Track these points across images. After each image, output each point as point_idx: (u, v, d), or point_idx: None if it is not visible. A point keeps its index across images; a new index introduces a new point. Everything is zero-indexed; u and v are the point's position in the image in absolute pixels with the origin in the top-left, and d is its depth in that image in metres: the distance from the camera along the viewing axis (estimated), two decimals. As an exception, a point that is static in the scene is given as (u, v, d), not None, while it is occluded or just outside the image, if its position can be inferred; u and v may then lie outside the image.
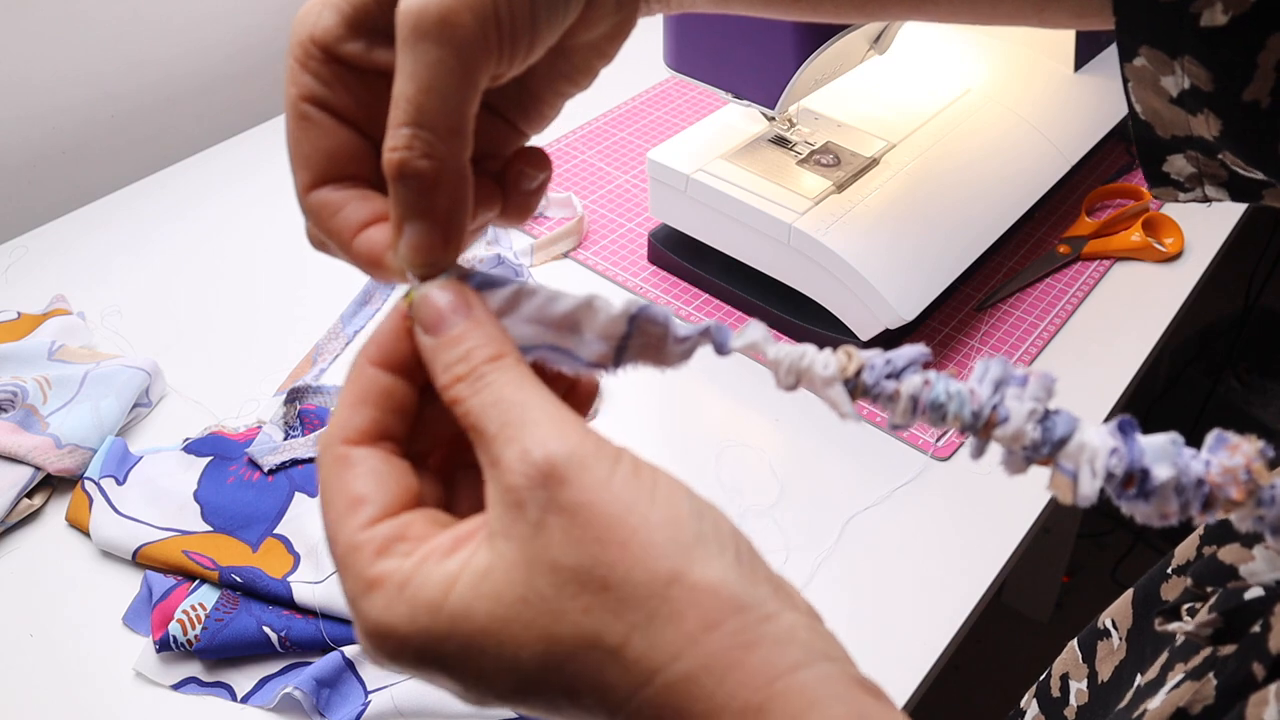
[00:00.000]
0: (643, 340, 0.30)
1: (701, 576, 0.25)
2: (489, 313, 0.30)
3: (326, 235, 0.31)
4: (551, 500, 0.26)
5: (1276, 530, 0.26)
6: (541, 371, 0.30)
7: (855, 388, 0.28)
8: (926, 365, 0.28)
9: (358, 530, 0.28)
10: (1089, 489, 0.26)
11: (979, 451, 0.28)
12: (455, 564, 0.26)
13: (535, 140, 0.35)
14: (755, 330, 0.29)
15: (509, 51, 0.29)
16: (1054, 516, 0.82)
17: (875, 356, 0.28)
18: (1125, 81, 0.39)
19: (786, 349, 0.29)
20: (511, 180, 0.34)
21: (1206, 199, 0.41)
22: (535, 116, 0.34)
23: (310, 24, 0.30)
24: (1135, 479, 0.26)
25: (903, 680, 0.61)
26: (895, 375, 0.28)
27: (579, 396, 0.33)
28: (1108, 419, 0.33)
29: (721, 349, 0.30)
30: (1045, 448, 0.27)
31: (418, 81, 0.28)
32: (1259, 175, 0.38)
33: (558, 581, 0.26)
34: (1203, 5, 0.34)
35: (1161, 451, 0.26)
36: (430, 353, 0.29)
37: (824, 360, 0.29)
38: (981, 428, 0.27)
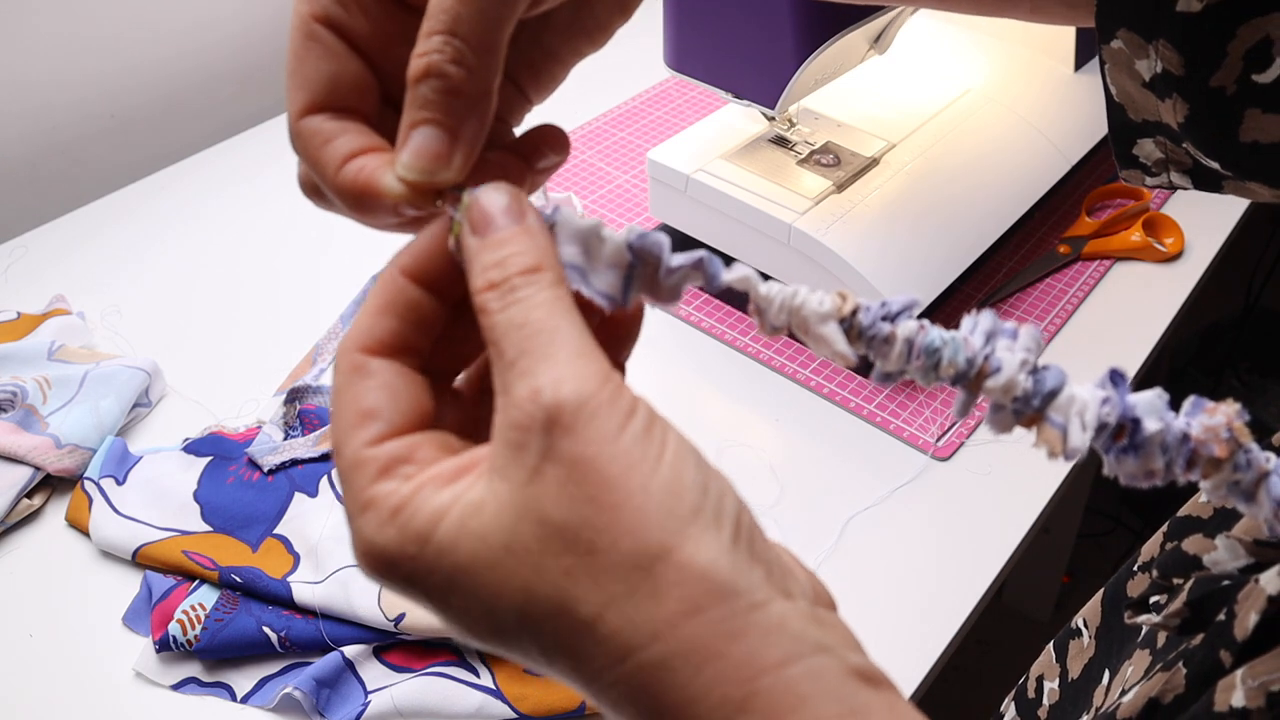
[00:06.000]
0: (643, 270, 0.29)
1: (691, 556, 0.24)
2: (541, 223, 0.28)
3: (312, 166, 0.29)
4: (552, 448, 0.25)
5: (1250, 496, 0.26)
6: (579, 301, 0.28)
7: (850, 329, 0.28)
8: (919, 315, 0.28)
9: (363, 446, 0.27)
10: (1079, 441, 0.26)
11: (966, 407, 0.28)
12: (449, 495, 0.26)
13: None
14: (746, 268, 0.29)
15: None
16: (1054, 516, 0.82)
17: (870, 301, 0.28)
18: (1102, 64, 0.40)
19: (778, 287, 0.28)
20: (527, 154, 0.33)
21: (1172, 185, 0.42)
22: (546, 79, 0.34)
23: None
24: (1126, 429, 0.26)
25: (903, 680, 0.61)
26: (890, 319, 0.28)
27: (618, 325, 0.31)
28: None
29: (713, 281, 0.29)
30: (1036, 399, 0.27)
31: None
32: (1216, 166, 0.39)
33: (543, 535, 0.24)
34: None
35: (1149, 405, 0.26)
36: (473, 253, 0.28)
37: (818, 298, 0.28)
38: (974, 377, 0.27)
